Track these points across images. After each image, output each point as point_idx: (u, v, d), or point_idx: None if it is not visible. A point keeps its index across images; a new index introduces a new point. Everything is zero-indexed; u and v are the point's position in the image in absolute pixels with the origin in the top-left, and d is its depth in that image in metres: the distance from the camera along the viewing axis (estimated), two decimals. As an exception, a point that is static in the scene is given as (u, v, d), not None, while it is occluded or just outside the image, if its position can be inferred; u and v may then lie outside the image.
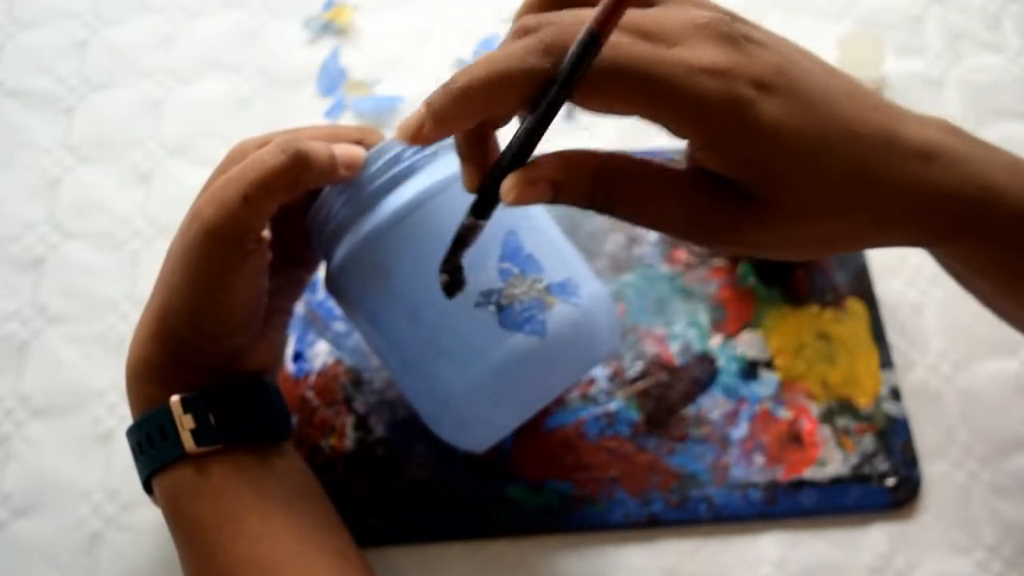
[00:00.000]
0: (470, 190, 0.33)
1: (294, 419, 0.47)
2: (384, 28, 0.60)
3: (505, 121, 0.32)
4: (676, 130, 0.30)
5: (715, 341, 0.49)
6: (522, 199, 0.30)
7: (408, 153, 0.39)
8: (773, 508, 0.45)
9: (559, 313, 0.38)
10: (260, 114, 0.57)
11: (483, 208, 0.32)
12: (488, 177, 0.31)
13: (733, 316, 0.50)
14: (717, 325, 0.50)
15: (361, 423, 0.47)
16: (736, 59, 0.30)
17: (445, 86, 0.30)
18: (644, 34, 0.30)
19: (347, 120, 0.57)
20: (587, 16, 0.28)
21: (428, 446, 0.46)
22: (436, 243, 0.37)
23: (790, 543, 0.45)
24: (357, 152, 0.39)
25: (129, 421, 0.39)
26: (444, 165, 0.39)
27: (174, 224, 0.39)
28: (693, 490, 0.46)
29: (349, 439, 0.47)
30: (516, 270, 0.38)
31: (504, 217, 0.38)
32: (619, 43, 0.29)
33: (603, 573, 0.44)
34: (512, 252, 0.38)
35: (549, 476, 0.46)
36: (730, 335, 0.49)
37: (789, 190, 0.31)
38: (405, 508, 0.45)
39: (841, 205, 0.32)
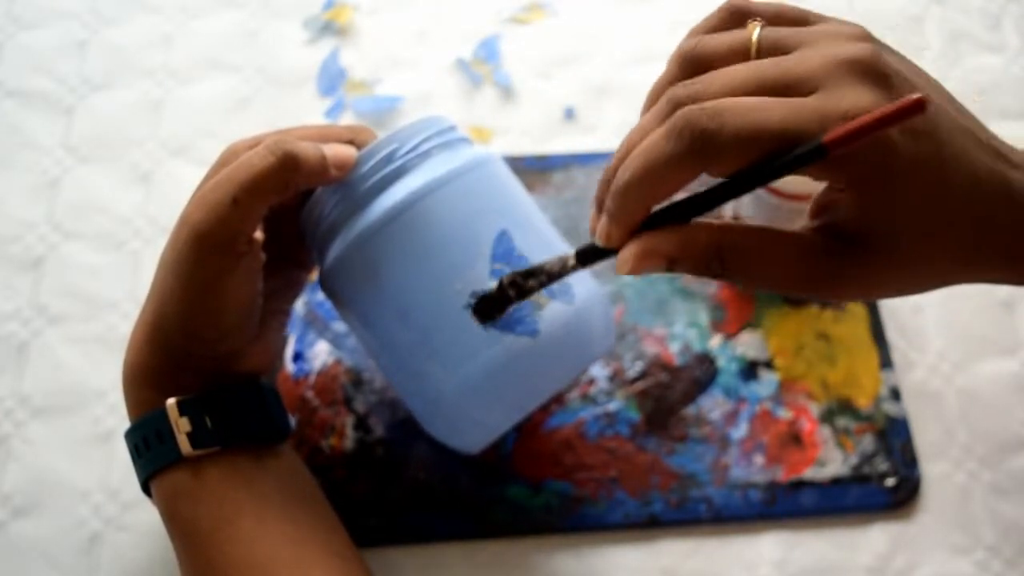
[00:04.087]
0: (606, 245, 0.33)
1: (294, 419, 0.47)
2: (384, 28, 0.60)
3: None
4: (816, 176, 0.30)
5: (715, 341, 0.49)
6: (637, 270, 0.31)
7: (400, 153, 0.39)
8: (773, 508, 0.45)
9: (551, 313, 0.38)
10: (260, 114, 0.57)
11: (592, 258, 0.34)
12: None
13: (733, 316, 0.50)
14: (717, 325, 0.50)
15: (361, 423, 0.47)
16: (882, 103, 0.28)
17: (613, 188, 0.31)
18: (784, 86, 0.30)
19: (347, 120, 0.57)
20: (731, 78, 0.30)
21: (428, 446, 0.46)
22: (427, 243, 0.37)
23: (790, 543, 0.45)
24: (348, 152, 0.39)
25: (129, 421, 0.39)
26: (436, 165, 0.39)
27: (174, 224, 0.39)
28: (693, 490, 0.46)
29: (349, 439, 0.47)
30: (508, 271, 0.38)
31: (496, 216, 0.38)
32: (753, 107, 0.29)
33: (603, 573, 0.44)
34: (504, 252, 0.38)
35: (549, 476, 0.46)
36: (730, 335, 0.49)
37: (912, 234, 0.31)
38: (405, 508, 0.45)
39: (959, 250, 0.32)
